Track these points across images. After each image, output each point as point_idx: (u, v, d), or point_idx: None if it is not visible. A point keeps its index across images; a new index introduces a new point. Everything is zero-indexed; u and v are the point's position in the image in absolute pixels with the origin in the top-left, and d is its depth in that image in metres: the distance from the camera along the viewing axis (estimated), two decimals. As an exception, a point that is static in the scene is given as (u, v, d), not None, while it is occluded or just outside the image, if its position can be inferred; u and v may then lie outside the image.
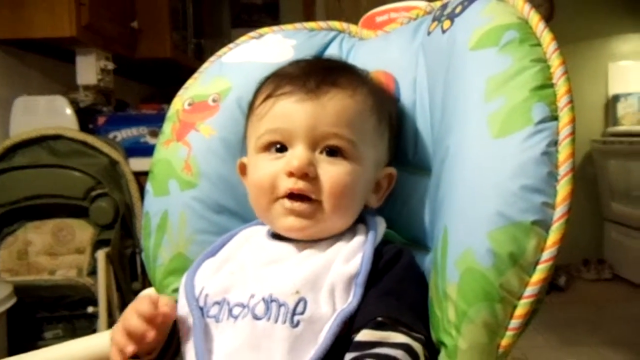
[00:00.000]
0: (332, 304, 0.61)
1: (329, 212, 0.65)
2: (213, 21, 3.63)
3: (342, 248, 0.65)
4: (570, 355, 2.46)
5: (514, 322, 0.58)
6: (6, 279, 1.64)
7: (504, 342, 0.58)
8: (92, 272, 1.72)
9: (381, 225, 0.69)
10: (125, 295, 1.76)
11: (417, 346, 0.58)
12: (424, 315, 0.64)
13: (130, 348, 0.60)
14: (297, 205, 0.65)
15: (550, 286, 3.31)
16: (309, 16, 3.63)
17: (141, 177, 1.78)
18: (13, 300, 1.47)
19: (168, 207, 0.81)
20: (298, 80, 0.68)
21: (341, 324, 0.59)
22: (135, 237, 1.81)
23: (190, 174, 0.81)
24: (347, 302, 0.61)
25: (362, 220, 0.70)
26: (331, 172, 0.65)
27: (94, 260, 1.71)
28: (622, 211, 3.50)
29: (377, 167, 0.71)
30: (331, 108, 0.66)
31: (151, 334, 0.61)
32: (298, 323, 0.59)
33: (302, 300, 0.60)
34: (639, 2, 3.69)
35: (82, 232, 1.76)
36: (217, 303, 0.65)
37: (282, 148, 0.67)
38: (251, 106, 0.73)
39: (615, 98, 3.75)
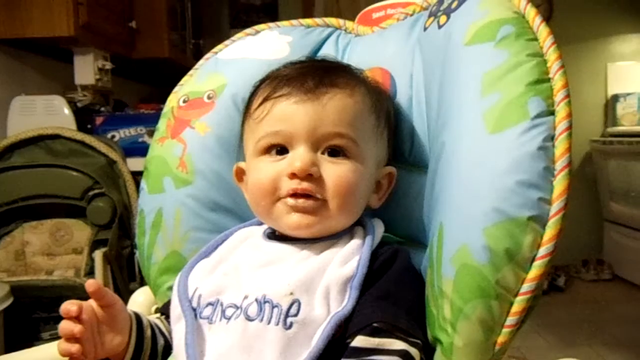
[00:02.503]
0: (326, 307, 0.60)
1: (335, 211, 0.64)
2: (212, 21, 3.63)
3: (339, 251, 0.64)
4: (569, 356, 2.45)
5: (511, 319, 0.57)
6: (3, 279, 1.63)
7: (501, 339, 0.57)
8: (90, 273, 1.71)
9: (379, 228, 0.68)
10: (123, 295, 1.73)
11: (414, 352, 0.58)
12: (420, 318, 0.63)
13: (73, 348, 0.58)
14: (301, 202, 0.64)
15: (550, 287, 3.32)
16: (307, 16, 3.61)
17: (139, 176, 1.76)
18: (10, 300, 1.46)
19: (163, 205, 0.81)
20: (295, 81, 0.67)
21: (335, 327, 0.58)
22: (133, 237, 1.80)
23: (185, 171, 0.80)
24: (341, 305, 0.60)
25: (359, 222, 0.69)
26: (335, 171, 0.64)
27: (91, 261, 1.70)
28: (621, 211, 3.49)
29: (377, 166, 0.70)
30: (331, 108, 0.65)
31: (77, 329, 0.58)
32: (291, 325, 0.58)
33: (295, 302, 0.59)
34: (638, 2, 3.69)
35: (79, 232, 1.75)
36: (211, 304, 0.64)
37: (283, 150, 0.66)
38: (247, 110, 0.72)
39: (615, 98, 3.75)
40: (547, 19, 3.74)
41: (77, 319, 0.60)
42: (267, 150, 0.67)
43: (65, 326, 0.59)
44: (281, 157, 0.66)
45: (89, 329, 0.60)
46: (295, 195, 0.64)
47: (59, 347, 0.60)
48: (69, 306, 0.59)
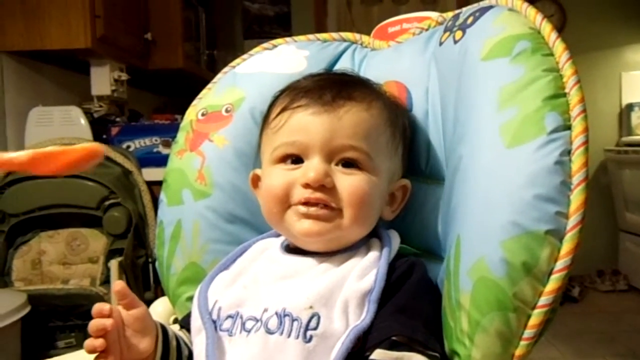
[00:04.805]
0: (345, 320, 0.60)
1: (348, 221, 0.64)
2: (225, 32, 3.65)
3: (357, 264, 0.64)
4: (584, 367, 2.43)
5: (528, 332, 0.57)
6: (20, 288, 1.65)
7: (518, 352, 0.58)
8: (105, 282, 1.72)
9: (395, 240, 0.69)
10: (137, 304, 1.75)
11: None
12: (438, 330, 0.63)
13: (97, 342, 0.58)
14: (314, 210, 0.64)
15: (564, 297, 3.28)
16: (320, 27, 3.65)
17: (154, 186, 1.79)
18: (27, 309, 1.48)
19: (182, 217, 0.82)
20: (314, 93, 0.68)
21: (354, 340, 0.58)
22: (148, 247, 1.82)
23: (203, 183, 0.81)
24: (360, 319, 0.60)
25: (375, 234, 0.70)
26: (349, 181, 0.65)
27: (107, 270, 1.72)
28: (636, 221, 3.46)
29: (391, 179, 0.71)
30: (347, 121, 0.66)
31: (109, 322, 0.59)
32: (311, 338, 0.59)
33: (315, 316, 0.60)
34: (652, 11, 3.68)
35: (95, 241, 1.77)
36: (230, 316, 0.65)
37: (298, 160, 0.67)
38: (266, 119, 0.73)
39: (629, 107, 3.73)
40: (561, 28, 3.74)
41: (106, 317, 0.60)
42: (283, 159, 0.68)
43: (94, 322, 0.59)
44: (296, 167, 0.66)
45: (115, 330, 0.60)
46: (307, 203, 0.64)
47: (85, 344, 0.60)
48: (102, 306, 0.60)
